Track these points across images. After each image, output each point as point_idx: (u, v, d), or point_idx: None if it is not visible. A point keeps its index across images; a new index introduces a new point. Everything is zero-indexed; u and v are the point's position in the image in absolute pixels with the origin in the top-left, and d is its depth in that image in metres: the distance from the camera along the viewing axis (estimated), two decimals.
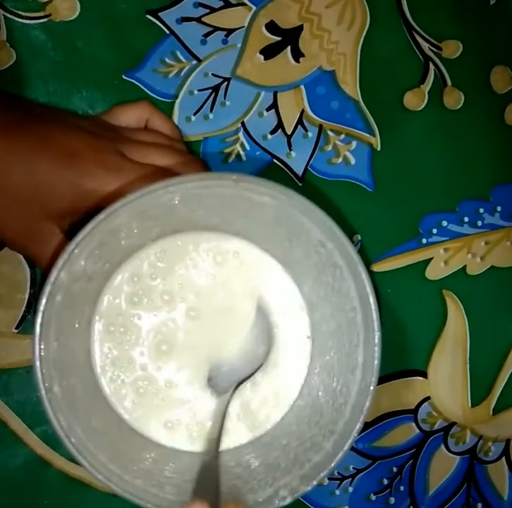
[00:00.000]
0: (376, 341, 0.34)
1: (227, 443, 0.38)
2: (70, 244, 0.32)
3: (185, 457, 0.38)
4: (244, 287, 0.39)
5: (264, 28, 0.43)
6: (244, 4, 0.43)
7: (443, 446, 0.44)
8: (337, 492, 0.44)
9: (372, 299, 0.34)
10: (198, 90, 0.43)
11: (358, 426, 0.34)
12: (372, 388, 0.34)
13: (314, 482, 0.34)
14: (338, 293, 0.36)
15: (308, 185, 0.43)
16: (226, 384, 0.38)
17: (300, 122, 0.43)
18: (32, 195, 0.35)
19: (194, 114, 0.43)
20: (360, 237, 0.44)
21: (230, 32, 0.43)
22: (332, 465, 0.34)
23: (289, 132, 0.43)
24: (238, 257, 0.39)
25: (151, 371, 0.38)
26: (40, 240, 0.36)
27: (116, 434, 0.37)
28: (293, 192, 0.34)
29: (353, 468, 0.44)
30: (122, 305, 0.38)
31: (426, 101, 0.44)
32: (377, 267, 0.44)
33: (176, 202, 0.34)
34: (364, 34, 0.44)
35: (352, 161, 0.44)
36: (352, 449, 0.43)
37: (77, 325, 0.36)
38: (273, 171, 0.43)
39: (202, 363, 0.38)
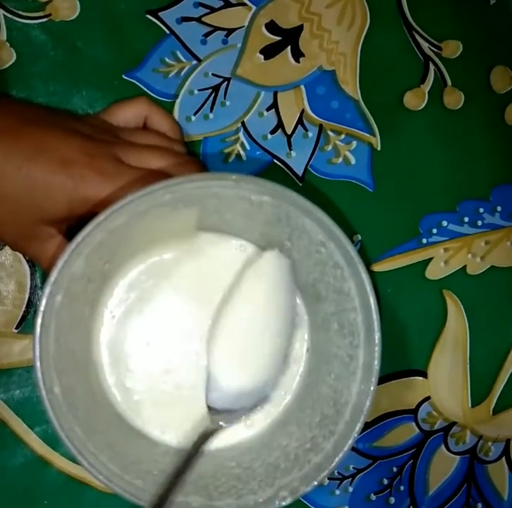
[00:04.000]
0: (377, 341, 0.34)
1: (227, 443, 0.38)
2: (69, 245, 0.32)
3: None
4: (246, 288, 0.39)
5: (264, 28, 0.43)
6: (244, 4, 0.43)
7: (443, 446, 0.44)
8: (337, 492, 0.44)
9: (372, 299, 0.34)
10: (198, 90, 0.43)
11: (358, 426, 0.34)
12: (372, 388, 0.34)
13: (315, 483, 0.34)
14: (339, 293, 0.36)
15: (308, 185, 0.43)
16: (226, 404, 0.37)
17: (300, 122, 0.43)
18: (28, 200, 0.35)
19: (195, 114, 0.43)
20: (360, 237, 0.44)
21: (230, 32, 0.43)
22: (332, 465, 0.34)
23: (289, 132, 0.43)
24: (238, 258, 0.39)
25: (159, 374, 0.38)
26: (39, 242, 0.36)
27: (116, 434, 0.37)
28: (293, 193, 0.34)
29: (353, 468, 0.44)
30: (124, 305, 0.38)
31: (426, 101, 0.44)
32: (377, 267, 0.44)
33: (176, 202, 0.34)
34: (364, 34, 0.44)
35: (353, 161, 0.44)
36: (353, 449, 0.43)
37: (77, 325, 0.36)
38: (273, 171, 0.43)
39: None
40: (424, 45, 0.44)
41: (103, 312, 0.38)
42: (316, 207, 0.34)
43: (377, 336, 0.34)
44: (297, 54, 0.43)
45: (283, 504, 0.34)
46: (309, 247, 0.36)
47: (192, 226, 0.38)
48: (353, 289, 0.35)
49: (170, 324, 0.38)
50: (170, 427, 0.38)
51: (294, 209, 0.35)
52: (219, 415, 0.37)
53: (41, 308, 0.32)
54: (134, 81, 0.42)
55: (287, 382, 0.39)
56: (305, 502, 0.43)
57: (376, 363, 0.34)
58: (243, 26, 0.43)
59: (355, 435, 0.34)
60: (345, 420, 0.35)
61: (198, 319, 0.39)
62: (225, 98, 0.43)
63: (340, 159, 0.44)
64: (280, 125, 0.43)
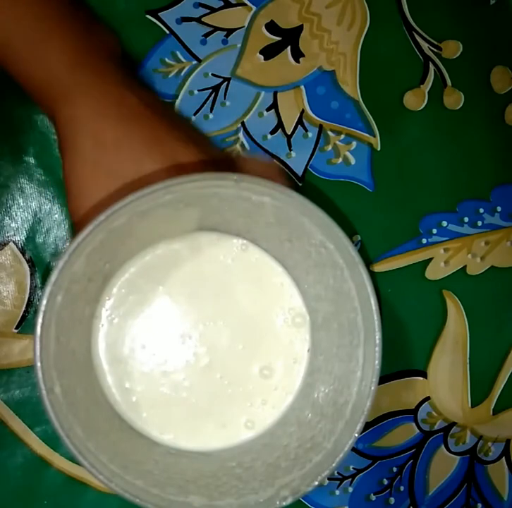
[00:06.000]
0: (377, 341, 0.34)
1: (228, 443, 0.38)
2: (70, 245, 0.32)
3: (187, 457, 0.38)
4: (246, 288, 0.39)
5: (264, 28, 0.43)
6: (244, 4, 0.43)
7: (443, 446, 0.44)
8: (337, 492, 0.44)
9: (372, 300, 0.34)
10: (198, 90, 0.43)
11: (359, 426, 0.34)
12: (372, 388, 0.34)
13: (315, 483, 0.34)
14: (339, 294, 0.36)
15: (308, 185, 0.43)
16: None
17: (300, 122, 0.43)
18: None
19: (195, 114, 0.43)
20: (360, 237, 0.44)
21: (230, 32, 0.43)
22: (333, 465, 0.34)
23: (289, 133, 0.43)
24: (239, 258, 0.39)
25: (158, 373, 0.38)
26: None
27: (116, 435, 0.37)
28: (293, 193, 0.34)
29: (353, 468, 0.44)
30: (124, 305, 0.38)
31: (426, 101, 0.44)
32: (377, 267, 0.44)
33: (177, 202, 0.34)
34: (364, 34, 0.44)
35: (352, 161, 0.44)
36: (353, 449, 0.43)
37: (77, 326, 0.36)
38: None
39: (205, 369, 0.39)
40: (424, 45, 0.44)
41: (102, 312, 0.38)
42: (316, 207, 0.34)
43: (377, 336, 0.34)
44: (297, 54, 0.43)
45: (284, 503, 0.34)
46: (309, 247, 0.36)
47: (193, 226, 0.38)
48: (353, 290, 0.35)
49: (168, 325, 0.38)
50: (168, 428, 0.38)
51: (294, 210, 0.35)
52: None
53: (42, 308, 0.32)
54: None
55: (288, 383, 0.39)
56: (304, 502, 0.43)
57: (377, 362, 0.34)
58: (243, 26, 0.43)
59: (356, 435, 0.34)
60: (345, 419, 0.35)
61: (197, 321, 0.39)
62: (225, 98, 0.43)
63: (340, 159, 0.44)
64: (280, 125, 0.43)
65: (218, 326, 0.39)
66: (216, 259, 0.39)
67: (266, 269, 0.39)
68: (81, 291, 0.35)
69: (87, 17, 0.38)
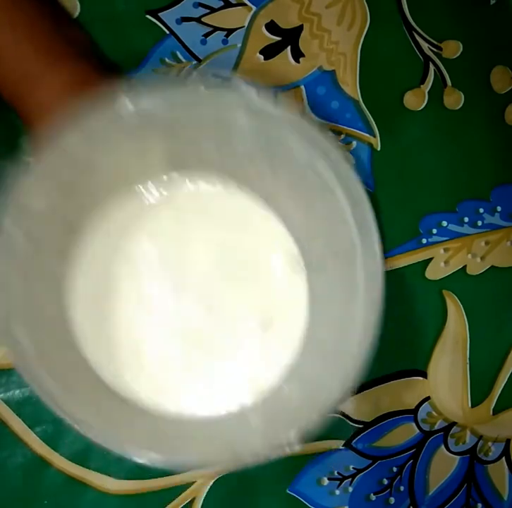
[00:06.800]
0: (380, 281, 0.32)
1: (229, 404, 0.36)
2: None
3: (182, 421, 0.35)
4: (236, 238, 0.36)
5: (264, 28, 0.43)
6: (244, 4, 0.43)
7: (443, 446, 0.44)
8: (337, 492, 0.44)
9: (369, 216, 0.31)
10: None
11: (360, 363, 0.32)
12: (373, 320, 0.32)
13: (322, 420, 0.32)
14: (331, 221, 0.33)
15: None
16: None
17: None
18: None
19: None
20: None
21: (230, 32, 0.43)
22: (338, 399, 0.32)
23: None
24: (222, 206, 0.36)
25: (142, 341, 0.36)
26: None
27: (104, 402, 0.34)
28: (269, 104, 0.31)
29: (353, 468, 0.44)
30: (101, 261, 0.35)
31: (426, 101, 0.44)
32: None
33: (137, 129, 0.31)
34: (364, 34, 0.44)
35: (352, 161, 0.44)
36: (353, 449, 0.43)
37: (48, 281, 0.33)
38: None
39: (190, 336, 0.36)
40: (424, 45, 0.44)
41: (76, 269, 0.34)
42: (299, 117, 0.31)
43: (376, 246, 0.32)
44: (297, 54, 0.43)
45: (291, 449, 0.32)
46: (295, 170, 0.32)
47: (163, 163, 0.35)
48: (348, 209, 0.32)
49: (153, 280, 0.35)
50: (162, 392, 0.35)
51: (274, 127, 0.31)
52: None
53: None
54: None
55: (289, 332, 0.36)
56: (304, 502, 0.43)
57: (379, 280, 0.32)
58: (243, 26, 0.43)
59: (358, 372, 0.32)
60: (348, 358, 0.32)
61: (185, 275, 0.36)
62: None
63: None
64: None
65: (209, 280, 0.36)
66: (194, 203, 0.36)
67: (253, 215, 0.36)
68: (45, 236, 0.32)
69: (53, 13, 0.39)
